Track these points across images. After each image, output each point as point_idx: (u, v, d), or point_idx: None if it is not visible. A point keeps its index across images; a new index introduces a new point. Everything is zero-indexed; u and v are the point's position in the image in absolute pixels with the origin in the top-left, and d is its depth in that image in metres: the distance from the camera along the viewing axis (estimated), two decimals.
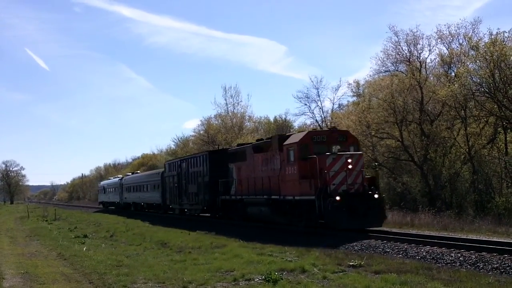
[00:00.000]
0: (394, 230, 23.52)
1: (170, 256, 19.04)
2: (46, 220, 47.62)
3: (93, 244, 24.67)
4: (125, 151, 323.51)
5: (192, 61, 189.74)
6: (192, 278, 13.76)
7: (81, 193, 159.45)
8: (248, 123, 73.51)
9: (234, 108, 73.09)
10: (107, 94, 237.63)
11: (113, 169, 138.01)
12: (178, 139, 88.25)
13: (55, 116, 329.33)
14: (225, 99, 73.24)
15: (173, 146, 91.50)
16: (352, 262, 15.06)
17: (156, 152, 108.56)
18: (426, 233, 21.77)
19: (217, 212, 36.86)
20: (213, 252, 19.27)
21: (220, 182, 33.94)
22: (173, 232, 29.02)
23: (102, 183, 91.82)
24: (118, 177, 78.44)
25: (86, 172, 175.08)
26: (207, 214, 39.78)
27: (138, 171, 75.57)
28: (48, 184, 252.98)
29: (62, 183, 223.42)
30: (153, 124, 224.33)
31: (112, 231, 31.36)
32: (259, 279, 13.15)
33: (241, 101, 73.30)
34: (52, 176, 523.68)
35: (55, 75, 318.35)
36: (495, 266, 13.38)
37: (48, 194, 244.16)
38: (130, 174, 73.53)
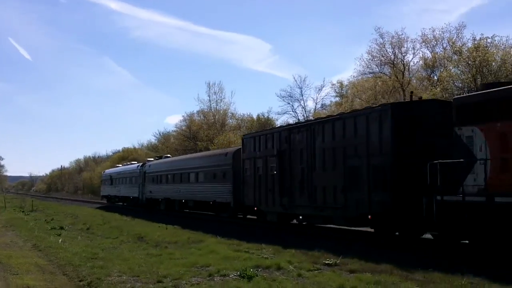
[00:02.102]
0: None
1: (146, 250, 18.90)
2: (23, 211, 47.10)
3: (69, 236, 24.45)
4: (106, 144, 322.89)
5: (177, 56, 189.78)
6: (167, 272, 13.67)
7: (59, 185, 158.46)
8: (230, 120, 73.93)
9: (217, 105, 73.44)
10: (90, 86, 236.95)
11: (92, 162, 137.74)
12: (159, 134, 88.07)
13: (37, 107, 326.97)
14: (209, 96, 73.62)
15: (154, 141, 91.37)
16: (328, 260, 15.07)
17: (137, 146, 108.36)
18: None
19: (417, 229, 19.97)
20: (189, 247, 19.18)
21: (436, 167, 16.70)
22: (151, 226, 28.87)
23: (108, 171, 71.95)
24: (133, 163, 62.57)
25: (66, 164, 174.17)
26: (360, 229, 23.56)
27: (169, 155, 56.51)
28: (27, 175, 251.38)
29: (41, 174, 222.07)
30: (135, 118, 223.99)
31: (89, 223, 31.09)
32: (234, 275, 13.10)
33: (224, 98, 73.81)
34: (31, 167, 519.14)
35: (38, 65, 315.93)
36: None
37: (26, 185, 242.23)
38: (155, 159, 55.58)
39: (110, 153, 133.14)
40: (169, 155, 55.09)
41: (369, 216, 20.82)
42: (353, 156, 21.47)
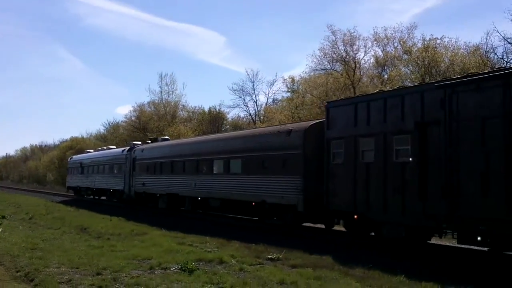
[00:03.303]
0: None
1: (88, 241, 18.58)
2: None
3: (10, 226, 23.85)
4: (53, 133, 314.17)
5: (129, 46, 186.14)
6: (107, 264, 13.43)
7: (4, 173, 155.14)
8: (181, 112, 73.63)
9: (168, 96, 73.00)
10: (40, 73, 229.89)
11: (39, 150, 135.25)
12: (108, 124, 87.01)
13: None
14: (160, 87, 73.15)
15: (103, 131, 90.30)
16: (271, 255, 15.11)
17: (85, 136, 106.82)
18: None
19: None
20: (132, 240, 18.96)
21: None
22: (95, 217, 28.49)
23: (77, 157, 59.48)
24: (112, 147, 52.31)
25: (11, 152, 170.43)
26: None
27: (167, 137, 44.81)
28: None
29: None
30: (85, 107, 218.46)
31: (32, 213, 30.44)
32: (175, 268, 12.99)
33: (176, 89, 73.54)
34: None
35: None
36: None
37: None
38: (144, 142, 44.25)
39: (58, 142, 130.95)
40: (167, 137, 43.90)
41: None
42: None
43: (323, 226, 22.96)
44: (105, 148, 54.22)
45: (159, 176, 35.62)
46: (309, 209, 21.45)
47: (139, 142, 44.81)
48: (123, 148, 44.54)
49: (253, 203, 25.01)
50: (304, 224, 22.84)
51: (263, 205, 24.17)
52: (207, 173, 29.38)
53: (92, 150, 59.79)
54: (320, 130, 21.32)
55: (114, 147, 52.65)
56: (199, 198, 30.38)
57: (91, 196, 51.31)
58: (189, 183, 31.13)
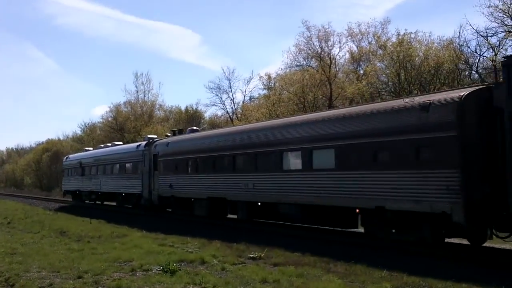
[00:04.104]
0: None
1: (68, 245, 18.49)
2: None
3: None
4: (29, 135, 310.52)
5: (103, 45, 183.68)
6: (88, 267, 13.37)
7: None
8: (158, 112, 73.59)
9: (144, 96, 72.85)
10: (12, 74, 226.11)
11: (15, 153, 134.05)
12: (85, 125, 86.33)
13: None
14: (136, 86, 72.94)
15: (79, 132, 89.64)
16: (252, 254, 15.15)
17: (62, 137, 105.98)
18: None
19: None
20: (113, 242, 18.87)
21: None
22: (74, 220, 28.31)
23: (74, 156, 51.55)
24: (117, 144, 45.61)
25: None
26: None
27: (196, 127, 39.38)
28: None
29: None
30: (60, 108, 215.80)
31: (10, 218, 30.20)
32: (157, 270, 12.95)
33: (152, 89, 73.45)
34: None
35: None
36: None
37: None
38: (164, 136, 37.44)
39: (34, 145, 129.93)
40: (196, 128, 37.46)
41: None
42: None
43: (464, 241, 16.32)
44: (109, 144, 46.98)
45: (194, 175, 28.03)
46: (472, 220, 13.95)
47: (154, 136, 38.62)
48: (138, 143, 37.20)
49: (357, 210, 17.98)
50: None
51: (378, 213, 16.73)
52: (273, 170, 21.72)
53: (91, 148, 53.33)
54: (482, 101, 14.29)
55: (121, 143, 46.50)
56: (259, 204, 23.10)
57: (93, 202, 44.48)
58: (244, 184, 23.61)
